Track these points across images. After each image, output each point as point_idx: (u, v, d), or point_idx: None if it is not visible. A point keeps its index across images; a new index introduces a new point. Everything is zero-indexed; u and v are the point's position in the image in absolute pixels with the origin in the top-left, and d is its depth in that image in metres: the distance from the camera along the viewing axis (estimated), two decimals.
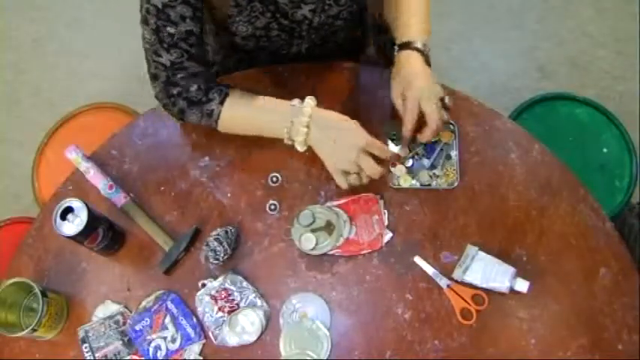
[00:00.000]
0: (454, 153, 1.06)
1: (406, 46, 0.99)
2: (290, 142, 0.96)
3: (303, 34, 1.06)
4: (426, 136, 0.97)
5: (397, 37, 1.02)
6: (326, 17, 1.02)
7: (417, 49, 0.99)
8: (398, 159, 1.05)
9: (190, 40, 0.93)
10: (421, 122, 0.97)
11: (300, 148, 0.95)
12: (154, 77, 0.97)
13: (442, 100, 0.97)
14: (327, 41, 1.14)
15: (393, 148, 1.06)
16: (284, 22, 1.01)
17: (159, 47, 0.92)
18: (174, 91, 0.97)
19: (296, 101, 0.95)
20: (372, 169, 0.92)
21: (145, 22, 0.91)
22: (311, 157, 1.06)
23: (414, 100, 0.95)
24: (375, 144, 0.92)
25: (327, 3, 0.99)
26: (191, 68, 0.96)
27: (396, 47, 1.01)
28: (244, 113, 0.99)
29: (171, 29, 0.90)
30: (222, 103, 0.98)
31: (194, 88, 0.97)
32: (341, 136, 0.92)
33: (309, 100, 0.94)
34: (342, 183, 0.95)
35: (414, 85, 0.95)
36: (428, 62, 0.99)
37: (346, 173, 0.94)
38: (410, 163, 1.06)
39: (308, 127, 0.93)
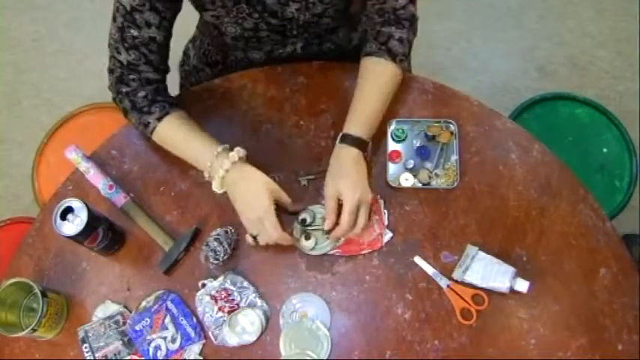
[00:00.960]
0: (454, 153, 1.06)
1: (344, 139, 0.98)
2: (209, 180, 0.97)
3: (294, 32, 1.06)
4: (336, 236, 0.96)
5: (344, 125, 1.00)
6: (311, 15, 1.02)
7: (355, 142, 0.97)
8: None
9: (151, 46, 0.97)
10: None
11: (217, 189, 0.97)
12: (110, 71, 1.01)
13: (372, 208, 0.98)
14: (324, 41, 1.14)
15: (394, 145, 1.07)
16: (273, 22, 1.01)
17: (120, 45, 0.96)
18: (124, 90, 1.01)
19: (220, 148, 0.95)
20: (267, 237, 0.94)
21: (113, 18, 0.95)
22: (311, 157, 1.07)
23: (351, 213, 0.93)
24: (269, 220, 0.92)
25: (310, 2, 0.98)
26: (144, 73, 1.00)
27: (339, 137, 0.99)
28: (175, 139, 1.01)
29: (134, 32, 0.94)
30: (160, 119, 1.00)
31: (142, 94, 1.00)
32: (248, 195, 0.94)
33: (234, 153, 0.94)
34: (248, 237, 0.97)
35: (350, 196, 0.93)
36: (365, 157, 0.98)
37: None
38: (411, 164, 1.05)
39: (223, 177, 0.94)
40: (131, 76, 0.99)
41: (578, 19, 2.10)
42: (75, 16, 2.21)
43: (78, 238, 0.93)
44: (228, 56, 1.20)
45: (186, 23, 1.13)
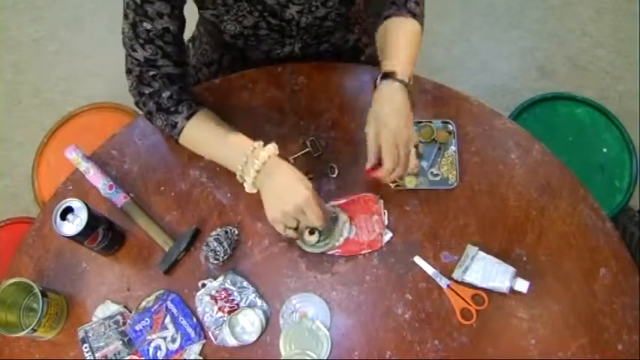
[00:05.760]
0: (453, 153, 1.06)
1: (389, 76, 0.94)
2: (241, 181, 0.94)
3: (293, 33, 1.06)
4: (390, 178, 0.95)
5: (382, 66, 0.96)
6: (313, 18, 1.02)
7: (401, 82, 0.93)
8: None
9: (166, 37, 0.95)
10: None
11: (249, 189, 0.94)
12: (128, 71, 0.99)
13: (416, 146, 0.94)
14: (322, 42, 1.14)
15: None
16: (273, 22, 1.01)
17: (135, 42, 0.94)
18: (147, 91, 0.98)
19: (257, 144, 0.93)
20: (310, 223, 0.92)
21: (125, 15, 0.93)
22: (310, 158, 1.07)
23: (392, 145, 0.92)
24: (311, 208, 0.90)
25: (314, 4, 0.98)
26: (164, 68, 0.97)
27: (379, 76, 0.95)
28: (205, 138, 0.98)
29: (147, 25, 0.92)
30: (188, 118, 0.97)
31: (166, 95, 0.98)
32: (288, 185, 0.91)
33: (270, 147, 0.92)
34: (281, 230, 0.94)
35: (391, 128, 0.91)
36: (411, 99, 0.94)
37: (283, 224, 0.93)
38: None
39: (259, 171, 0.91)
40: (151, 73, 0.97)
41: (578, 19, 2.10)
42: (75, 16, 2.21)
43: (78, 238, 0.93)
44: (224, 54, 1.20)
45: (186, 23, 1.12)
